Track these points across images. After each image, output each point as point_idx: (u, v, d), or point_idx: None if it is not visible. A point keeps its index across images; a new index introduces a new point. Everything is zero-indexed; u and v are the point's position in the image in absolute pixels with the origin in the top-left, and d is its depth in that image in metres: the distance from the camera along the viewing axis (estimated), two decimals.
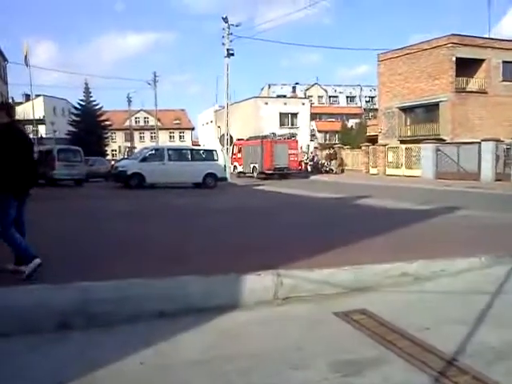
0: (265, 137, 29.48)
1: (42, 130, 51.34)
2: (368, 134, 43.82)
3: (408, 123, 36.60)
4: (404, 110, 36.39)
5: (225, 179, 22.39)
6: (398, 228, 7.97)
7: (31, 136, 42.54)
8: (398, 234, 7.54)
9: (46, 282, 4.28)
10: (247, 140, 32.88)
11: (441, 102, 32.52)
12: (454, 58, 31.80)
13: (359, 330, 3.78)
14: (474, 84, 33.14)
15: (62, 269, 4.96)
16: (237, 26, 28.34)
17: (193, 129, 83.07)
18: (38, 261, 4.62)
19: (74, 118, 51.92)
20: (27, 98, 54.43)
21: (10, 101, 47.86)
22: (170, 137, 79.31)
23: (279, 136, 32.10)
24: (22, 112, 50.46)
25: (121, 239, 7.10)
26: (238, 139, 33.28)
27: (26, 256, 4.64)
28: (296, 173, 31.34)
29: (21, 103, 63.80)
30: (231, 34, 28.00)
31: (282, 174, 29.56)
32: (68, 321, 3.89)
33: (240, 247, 6.39)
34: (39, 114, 50.29)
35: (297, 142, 33.11)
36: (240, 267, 4.84)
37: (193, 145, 60.65)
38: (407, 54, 35.19)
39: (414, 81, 34.70)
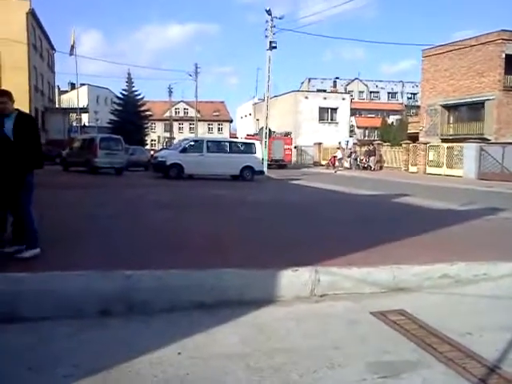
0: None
1: (85, 118, 52.70)
2: (409, 131, 42.98)
3: (451, 121, 35.66)
4: (447, 107, 35.46)
5: (262, 173, 22.39)
6: (440, 228, 7.78)
7: (75, 124, 43.81)
8: (440, 234, 7.37)
9: (89, 268, 4.38)
10: (253, 135, 36.30)
11: (487, 100, 31.51)
12: (503, 55, 30.70)
13: (397, 332, 3.72)
14: None
15: (101, 256, 5.07)
16: (280, 18, 28.20)
17: (231, 121, 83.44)
18: (37, 251, 4.82)
19: (116, 107, 53.00)
20: (72, 86, 55.92)
21: (56, 89, 49.35)
22: (209, 128, 79.85)
23: (278, 133, 37.91)
24: (68, 100, 52.01)
25: (161, 229, 7.21)
26: (248, 135, 38.96)
27: (34, 239, 4.84)
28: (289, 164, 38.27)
29: (66, 91, 65.68)
30: (274, 26, 27.88)
31: (279, 165, 35.66)
32: (109, 308, 3.99)
33: (278, 241, 6.38)
34: (83, 102, 51.58)
35: (291, 139, 40.56)
36: (278, 261, 4.85)
37: (231, 137, 60.92)
38: (453, 49, 34.16)
39: (459, 78, 33.71)
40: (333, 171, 33.52)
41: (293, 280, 4.50)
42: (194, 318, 3.95)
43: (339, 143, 40.05)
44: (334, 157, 36.82)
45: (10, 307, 3.80)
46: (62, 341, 3.47)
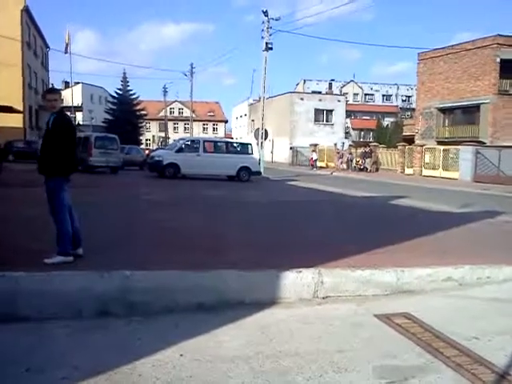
0: None
1: (79, 116, 52.39)
2: (404, 133, 43.01)
3: (446, 124, 35.72)
4: (443, 110, 35.53)
5: (259, 173, 22.28)
6: (439, 231, 7.74)
7: None
8: (440, 237, 7.32)
9: (88, 269, 4.29)
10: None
11: (482, 103, 31.59)
12: (498, 59, 30.79)
13: (403, 335, 3.66)
14: None
15: (101, 257, 4.96)
16: (276, 19, 28.11)
17: (226, 121, 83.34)
18: (70, 259, 4.58)
19: (110, 106, 52.79)
20: (66, 84, 55.63)
21: (49, 87, 49.04)
22: (204, 128, 79.70)
23: None
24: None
25: (159, 228, 7.11)
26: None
27: (65, 247, 4.62)
28: None
29: (60, 90, 65.25)
30: (270, 27, 27.80)
31: None
32: (108, 308, 3.91)
33: (275, 243, 6.30)
34: (77, 101, 51.32)
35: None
36: (279, 262, 4.77)
37: (226, 137, 60.83)
38: (449, 53, 34.24)
39: (454, 81, 33.80)
40: (312, 171, 34.62)
41: (296, 281, 4.42)
42: (195, 319, 3.87)
43: (335, 145, 40.10)
44: (311, 158, 38.35)
45: (8, 307, 3.72)
46: (61, 342, 3.39)
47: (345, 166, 36.77)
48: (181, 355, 3.20)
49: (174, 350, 3.28)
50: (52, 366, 2.98)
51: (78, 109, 47.21)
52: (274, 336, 3.58)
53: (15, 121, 30.39)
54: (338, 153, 37.77)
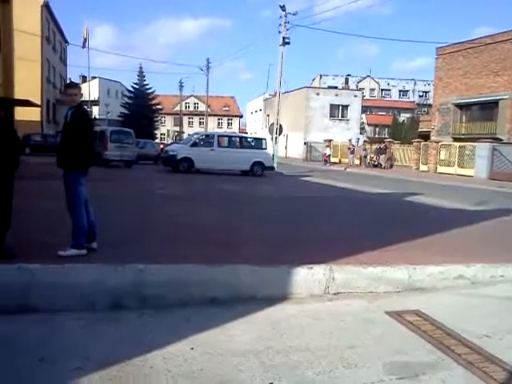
0: None
1: (95, 110, 52.82)
2: (420, 129, 42.58)
3: (463, 120, 35.24)
4: (460, 106, 35.04)
5: (272, 168, 22.28)
6: (453, 228, 7.68)
7: None
8: (453, 234, 7.27)
9: (101, 262, 4.35)
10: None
11: (501, 99, 31.06)
12: None
13: (414, 332, 3.66)
14: None
15: (114, 251, 5.02)
16: (294, 14, 27.94)
17: (241, 116, 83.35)
18: (83, 252, 4.63)
19: (126, 100, 53.11)
20: (83, 79, 56.02)
21: (68, 82, 49.50)
22: (219, 123, 79.83)
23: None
24: None
25: (173, 222, 7.17)
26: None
27: (79, 240, 4.68)
28: None
29: (79, 84, 65.86)
30: (288, 22, 27.67)
31: None
32: (121, 301, 3.96)
33: (288, 238, 6.32)
34: (94, 95, 51.73)
35: None
36: (289, 258, 4.79)
37: (240, 132, 60.83)
38: (468, 48, 33.67)
39: (473, 77, 33.28)
40: (325, 167, 34.72)
41: (307, 277, 4.44)
42: (207, 313, 3.91)
43: (350, 140, 39.87)
44: (325, 153, 38.44)
45: (22, 298, 3.79)
46: (73, 333, 3.45)
47: (358, 161, 36.59)
48: (192, 348, 3.23)
49: (185, 343, 3.32)
50: (65, 356, 3.04)
51: (95, 103, 47.64)
52: (284, 331, 3.60)
53: (33, 114, 30.73)
54: (350, 148, 37.61)
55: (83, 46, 38.99)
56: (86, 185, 4.87)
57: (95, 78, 60.78)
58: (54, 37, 40.99)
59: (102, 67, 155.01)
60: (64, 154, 4.68)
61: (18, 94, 18.81)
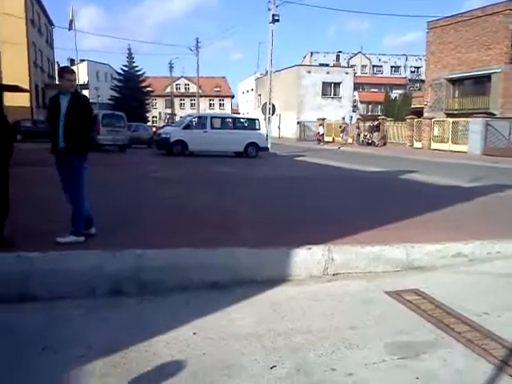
0: None
1: (85, 94, 52.18)
2: (413, 106, 42.47)
3: (456, 96, 35.16)
4: (453, 81, 34.92)
5: (266, 149, 22.19)
6: (449, 206, 7.71)
7: None
8: (449, 212, 7.30)
9: (99, 248, 4.34)
10: None
11: (493, 73, 30.95)
12: (510, 27, 29.97)
13: (413, 311, 3.69)
14: None
15: (111, 236, 5.00)
16: None
17: (233, 97, 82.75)
18: (82, 239, 4.62)
19: (116, 83, 52.53)
20: (71, 62, 55.20)
21: (56, 65, 48.83)
22: (210, 104, 79.23)
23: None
24: None
25: (169, 206, 7.15)
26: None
27: (79, 227, 4.67)
28: None
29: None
30: None
31: None
32: (121, 287, 3.96)
33: (285, 219, 6.33)
34: (83, 79, 51.07)
35: None
36: (287, 240, 4.80)
37: (232, 113, 60.44)
38: (459, 21, 33.36)
39: (465, 50, 33.08)
40: (319, 146, 34.81)
41: (306, 258, 4.45)
42: (208, 297, 3.92)
43: (343, 118, 39.72)
44: (318, 132, 38.49)
45: (22, 286, 3.78)
46: (75, 321, 3.45)
47: (350, 139, 36.55)
48: (194, 333, 3.25)
49: (187, 328, 3.33)
50: (67, 344, 3.04)
51: (85, 87, 46.93)
52: (285, 313, 3.62)
53: (22, 100, 30.38)
54: (340, 127, 37.58)
55: (69, 28, 38.29)
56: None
57: (83, 60, 59.81)
58: (38, 19, 40.18)
59: (89, 49, 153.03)
60: (71, 138, 4.63)
61: (6, 79, 18.50)
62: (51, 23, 46.50)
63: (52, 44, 48.25)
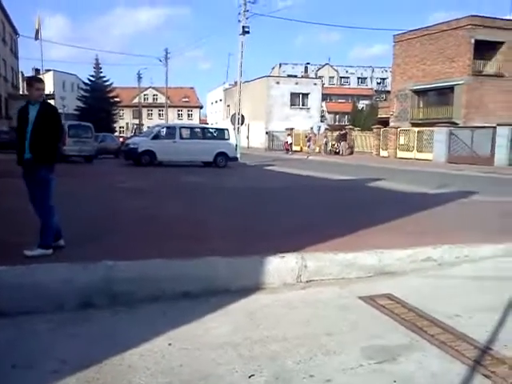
0: None
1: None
2: (379, 116, 43.34)
3: (421, 106, 36.11)
4: (417, 92, 35.88)
5: (236, 159, 22.22)
6: (417, 212, 7.87)
7: None
8: (418, 218, 7.45)
9: (68, 261, 4.23)
10: None
11: (456, 85, 31.97)
12: (472, 40, 31.08)
13: (387, 316, 3.72)
14: (491, 67, 32.48)
15: (80, 249, 4.88)
16: (253, 2, 27.75)
17: (201, 107, 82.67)
18: (49, 252, 4.50)
19: (83, 93, 51.80)
20: (37, 72, 54.11)
21: (20, 75, 47.80)
22: (179, 115, 78.90)
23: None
24: None
25: (139, 217, 7.05)
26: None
27: (47, 240, 4.54)
28: None
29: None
30: (247, 10, 27.46)
31: None
32: (91, 300, 3.86)
33: (256, 229, 6.32)
34: (49, 89, 50.01)
35: None
36: (259, 249, 4.79)
37: (201, 123, 60.34)
38: (425, 34, 34.44)
39: (430, 63, 34.08)
40: (288, 155, 35.36)
41: (280, 266, 4.45)
42: (181, 307, 3.86)
43: (311, 128, 40.20)
44: (286, 142, 39.18)
45: None
46: (44, 336, 3.33)
47: (317, 148, 37.03)
48: (169, 344, 3.19)
49: (162, 339, 3.26)
50: (38, 361, 2.93)
51: (50, 97, 45.95)
52: (260, 322, 3.59)
53: None
54: (306, 136, 38.09)
55: (36, 38, 37.71)
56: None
57: (49, 70, 58.82)
58: (3, 28, 39.32)
59: (56, 60, 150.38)
60: (38, 149, 4.51)
61: None
62: (16, 32, 45.54)
63: (17, 53, 47.22)
